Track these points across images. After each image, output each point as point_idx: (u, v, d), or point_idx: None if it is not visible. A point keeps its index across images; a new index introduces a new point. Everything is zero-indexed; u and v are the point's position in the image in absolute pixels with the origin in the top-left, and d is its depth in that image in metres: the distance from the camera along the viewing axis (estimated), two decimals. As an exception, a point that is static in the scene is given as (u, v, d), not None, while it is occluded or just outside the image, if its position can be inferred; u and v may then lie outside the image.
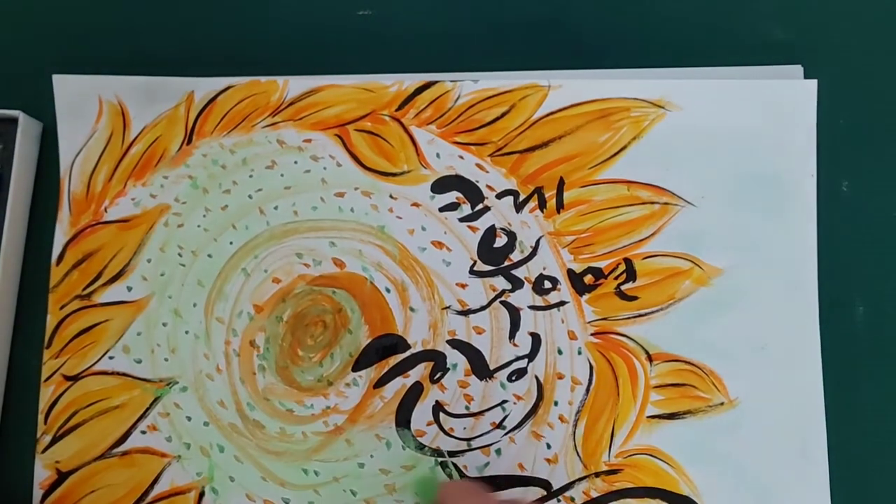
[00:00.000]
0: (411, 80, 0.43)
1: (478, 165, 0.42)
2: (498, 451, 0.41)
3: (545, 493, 0.40)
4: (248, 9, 0.45)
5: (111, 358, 0.42)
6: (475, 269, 0.42)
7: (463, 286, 0.42)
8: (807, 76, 0.43)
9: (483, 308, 0.42)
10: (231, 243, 0.43)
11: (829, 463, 0.40)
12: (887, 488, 0.41)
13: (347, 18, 0.45)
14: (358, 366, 0.42)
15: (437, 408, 0.41)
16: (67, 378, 0.42)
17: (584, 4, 0.45)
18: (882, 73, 0.44)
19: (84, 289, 0.43)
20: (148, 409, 0.42)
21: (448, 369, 0.41)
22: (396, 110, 0.43)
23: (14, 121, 0.42)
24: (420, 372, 0.41)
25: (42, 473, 0.41)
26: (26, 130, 0.43)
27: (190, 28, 0.45)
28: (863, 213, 0.43)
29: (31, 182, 0.44)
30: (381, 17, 0.45)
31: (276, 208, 0.43)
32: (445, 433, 0.41)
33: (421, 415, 0.41)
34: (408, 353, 0.42)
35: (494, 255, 0.42)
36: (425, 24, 0.45)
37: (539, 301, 0.42)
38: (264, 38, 0.45)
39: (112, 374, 0.42)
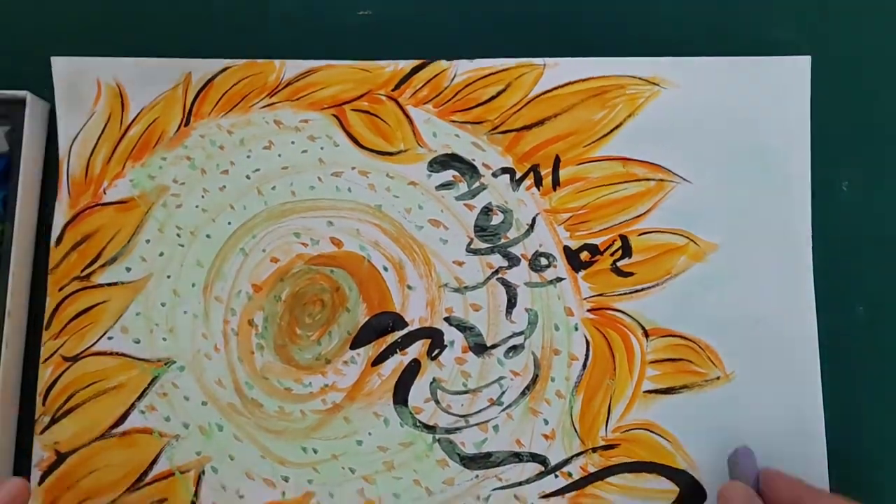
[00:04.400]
0: (407, 61, 0.43)
1: (474, 144, 0.43)
2: (496, 428, 0.41)
3: (542, 468, 0.40)
4: (248, 7, 0.45)
5: (110, 338, 0.42)
6: (472, 246, 0.42)
7: (460, 264, 0.42)
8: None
9: (480, 285, 0.42)
10: (229, 223, 0.43)
11: (830, 464, 0.40)
12: (888, 487, 0.41)
13: (347, 19, 0.44)
14: (356, 344, 0.42)
15: (435, 384, 0.41)
16: (66, 359, 0.42)
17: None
18: (883, 72, 0.43)
19: (83, 270, 0.43)
20: (146, 389, 0.42)
21: (445, 346, 0.41)
22: (393, 90, 0.43)
23: (22, 101, 0.42)
24: (418, 349, 0.42)
25: (40, 454, 0.41)
26: (34, 111, 0.43)
27: (188, 25, 0.45)
28: (863, 213, 0.42)
29: (40, 162, 0.44)
30: (381, 17, 0.44)
31: (273, 188, 0.43)
32: (443, 410, 0.41)
33: (419, 392, 0.41)
34: (405, 331, 0.42)
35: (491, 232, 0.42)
36: (425, 23, 0.44)
37: (535, 278, 0.42)
38: (263, 37, 0.44)
39: (111, 354, 0.42)
